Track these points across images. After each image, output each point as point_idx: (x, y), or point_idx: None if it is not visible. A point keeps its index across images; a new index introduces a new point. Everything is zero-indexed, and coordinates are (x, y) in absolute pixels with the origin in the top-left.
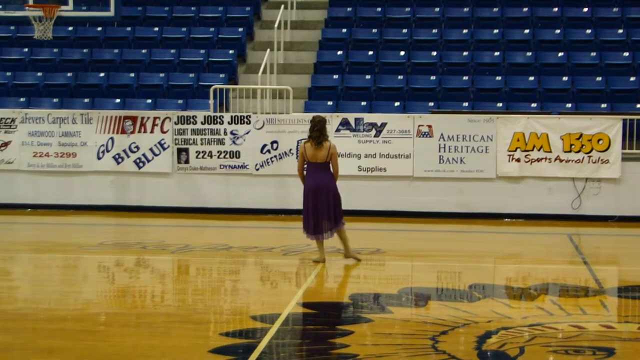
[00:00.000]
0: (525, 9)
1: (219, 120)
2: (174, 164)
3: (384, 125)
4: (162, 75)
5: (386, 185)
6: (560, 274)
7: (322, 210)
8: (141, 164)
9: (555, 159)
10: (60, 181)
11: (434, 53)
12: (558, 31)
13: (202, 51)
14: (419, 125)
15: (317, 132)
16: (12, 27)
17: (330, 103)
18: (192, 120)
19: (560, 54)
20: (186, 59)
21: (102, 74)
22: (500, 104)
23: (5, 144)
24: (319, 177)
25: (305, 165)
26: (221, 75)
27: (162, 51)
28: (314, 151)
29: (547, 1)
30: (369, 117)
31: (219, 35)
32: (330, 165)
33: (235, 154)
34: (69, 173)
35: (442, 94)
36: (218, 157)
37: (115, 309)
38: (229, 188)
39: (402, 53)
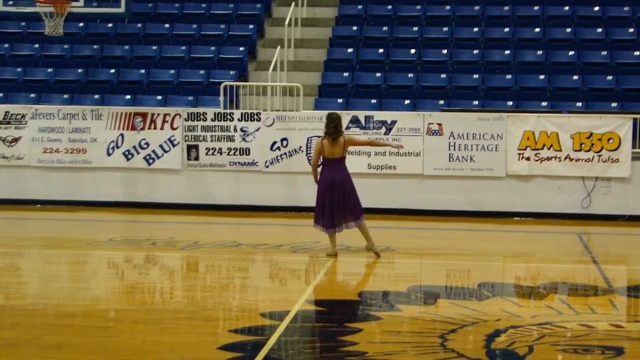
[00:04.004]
0: (536, 8)
1: (229, 117)
2: (183, 160)
3: (394, 123)
4: (172, 71)
5: (396, 183)
6: (570, 273)
7: (337, 204)
8: (151, 161)
9: (565, 158)
10: (70, 177)
11: (445, 51)
12: (569, 30)
13: (213, 48)
14: (429, 124)
15: (334, 127)
16: (23, 23)
17: (340, 100)
18: (202, 117)
19: (570, 53)
20: (196, 55)
21: (112, 70)
22: (510, 103)
23: (16, 140)
24: (335, 173)
25: (321, 161)
26: (231, 72)
27: (172, 48)
28: (331, 147)
29: (558, 0)
30: (379, 115)
31: (230, 32)
32: (345, 160)
33: (245, 151)
34: (79, 169)
35: (453, 92)
36: (228, 154)
37: (124, 305)
38: (238, 185)
39: (413, 51)
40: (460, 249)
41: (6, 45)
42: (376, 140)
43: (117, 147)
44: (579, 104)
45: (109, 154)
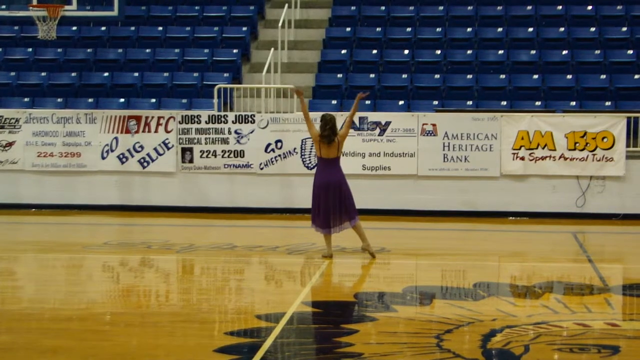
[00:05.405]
0: (529, 7)
1: (223, 119)
2: (178, 163)
3: (388, 124)
4: (166, 74)
5: (390, 184)
6: (565, 272)
7: (332, 205)
8: (145, 164)
9: (560, 157)
10: (64, 181)
11: (438, 52)
12: (562, 29)
13: (206, 50)
14: (423, 124)
15: (329, 130)
16: (16, 27)
17: (334, 102)
18: (196, 119)
19: (564, 52)
20: (190, 58)
21: (106, 74)
22: (504, 103)
23: (10, 144)
24: (331, 173)
25: (316, 161)
26: (225, 75)
27: (166, 51)
28: (327, 149)
29: None
30: (373, 116)
31: (223, 35)
32: (340, 160)
33: (240, 154)
34: (73, 173)
35: (447, 92)
36: (222, 157)
37: (120, 308)
38: (233, 187)
39: (406, 52)
40: (455, 249)
41: None
42: (351, 114)
43: (112, 151)
44: (573, 103)
45: (103, 158)
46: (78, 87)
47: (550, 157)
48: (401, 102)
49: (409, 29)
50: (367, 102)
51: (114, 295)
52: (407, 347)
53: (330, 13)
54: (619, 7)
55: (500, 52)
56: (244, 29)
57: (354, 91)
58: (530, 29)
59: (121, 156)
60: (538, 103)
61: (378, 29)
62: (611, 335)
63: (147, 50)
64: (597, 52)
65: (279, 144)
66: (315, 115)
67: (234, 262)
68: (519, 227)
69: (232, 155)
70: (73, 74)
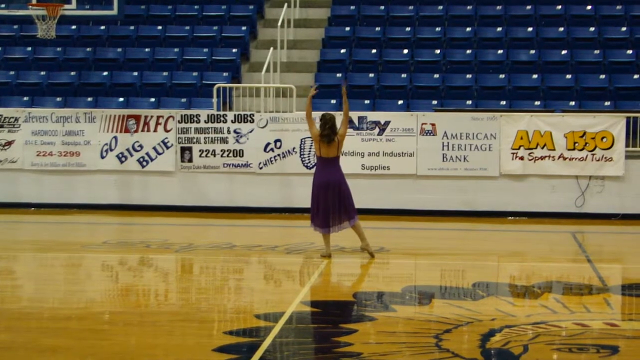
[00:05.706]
0: (528, 7)
1: (222, 119)
2: (177, 162)
3: (387, 123)
4: (165, 74)
5: (389, 184)
6: (564, 272)
7: (332, 204)
8: (145, 163)
9: (559, 157)
10: (63, 180)
11: (438, 51)
12: (562, 29)
13: (206, 50)
14: (423, 124)
15: (329, 129)
16: (16, 26)
17: (333, 102)
18: (195, 119)
19: (563, 52)
20: (189, 57)
21: (105, 73)
22: (503, 102)
23: (9, 143)
24: (330, 172)
25: (315, 160)
26: (224, 74)
27: (165, 50)
28: (327, 148)
29: None
30: (372, 116)
31: (223, 34)
32: (340, 159)
33: (239, 153)
34: (73, 172)
35: (446, 92)
36: (221, 156)
37: (119, 307)
38: (232, 187)
39: (406, 51)
40: (454, 248)
41: None
42: (344, 112)
43: (111, 150)
44: (572, 103)
45: (102, 157)
46: (77, 86)
47: (549, 156)
48: (400, 102)
49: (408, 29)
50: (367, 101)
51: (112, 294)
52: (406, 347)
53: (330, 12)
54: (618, 7)
55: (500, 51)
56: (244, 28)
57: (353, 91)
58: (530, 29)
59: (120, 155)
60: (537, 103)
61: (377, 29)
62: (610, 335)
63: (147, 50)
64: (597, 52)
65: (278, 144)
66: (315, 115)
67: (233, 262)
68: (518, 227)
69: (231, 154)
70: (72, 73)
